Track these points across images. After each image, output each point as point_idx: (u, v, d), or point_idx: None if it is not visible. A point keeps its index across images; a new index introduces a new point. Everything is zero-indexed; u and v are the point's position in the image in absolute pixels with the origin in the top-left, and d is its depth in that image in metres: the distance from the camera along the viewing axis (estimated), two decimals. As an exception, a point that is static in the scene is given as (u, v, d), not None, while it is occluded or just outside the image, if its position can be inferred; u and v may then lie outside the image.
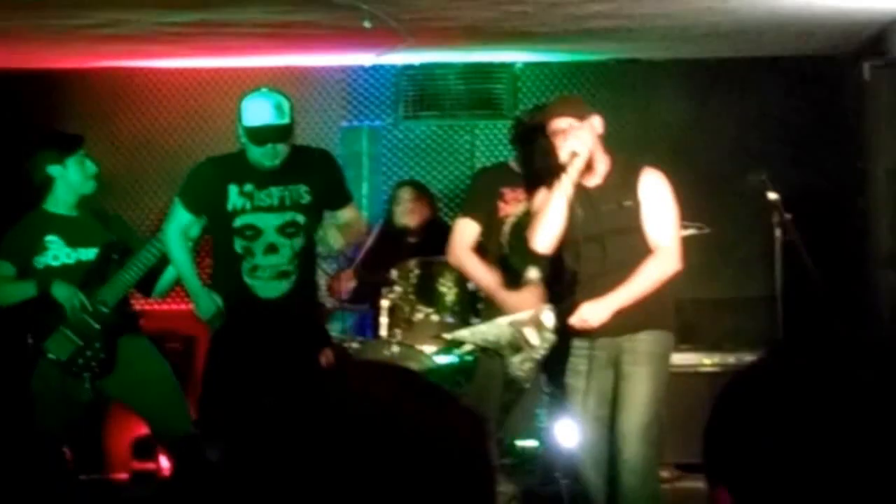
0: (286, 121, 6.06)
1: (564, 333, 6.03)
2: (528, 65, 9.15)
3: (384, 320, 7.28)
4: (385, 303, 7.27)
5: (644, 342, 5.69)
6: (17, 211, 6.58)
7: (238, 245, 6.15)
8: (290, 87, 7.37)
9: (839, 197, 8.29)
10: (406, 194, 8.07)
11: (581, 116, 5.79)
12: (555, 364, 6.24)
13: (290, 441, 1.66)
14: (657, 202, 5.76)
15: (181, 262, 6.23)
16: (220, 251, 6.30)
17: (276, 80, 8.25)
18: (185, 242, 6.23)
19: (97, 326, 6.35)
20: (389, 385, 1.65)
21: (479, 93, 9.14)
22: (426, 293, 7.28)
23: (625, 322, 5.71)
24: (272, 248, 6.14)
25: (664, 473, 7.22)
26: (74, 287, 6.31)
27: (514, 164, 6.72)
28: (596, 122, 5.84)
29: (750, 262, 8.44)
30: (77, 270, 6.39)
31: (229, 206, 6.15)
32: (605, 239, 5.79)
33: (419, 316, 7.30)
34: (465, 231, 6.62)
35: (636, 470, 5.60)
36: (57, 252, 6.39)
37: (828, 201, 8.20)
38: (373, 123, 9.18)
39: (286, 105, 6.09)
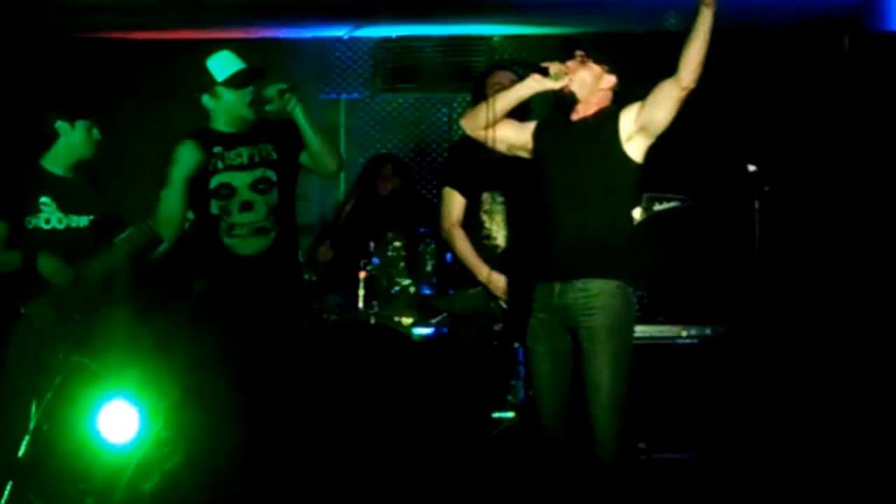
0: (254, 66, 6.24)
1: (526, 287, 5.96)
2: (505, 37, 9.14)
3: (362, 292, 7.27)
4: (362, 274, 7.26)
5: (598, 314, 5.50)
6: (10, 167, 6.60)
7: (214, 206, 6.20)
8: (267, 58, 7.34)
9: (821, 170, 8.31)
10: (384, 169, 8.07)
11: (597, 59, 5.71)
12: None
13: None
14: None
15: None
16: (199, 218, 6.33)
17: (252, 52, 8.19)
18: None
19: (79, 299, 6.34)
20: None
21: (456, 65, 9.13)
22: (404, 265, 7.28)
23: (575, 265, 5.55)
24: (247, 206, 6.19)
25: (640, 444, 7.24)
26: (60, 261, 6.29)
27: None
28: (609, 77, 5.75)
29: (728, 234, 8.44)
30: (66, 237, 6.38)
31: (203, 170, 6.21)
32: (575, 167, 5.63)
33: (397, 288, 7.31)
34: (453, 202, 6.64)
35: (612, 448, 5.56)
36: (49, 216, 6.38)
37: (808, 174, 8.23)
38: (350, 96, 9.16)
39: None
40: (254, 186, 6.19)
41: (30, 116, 6.60)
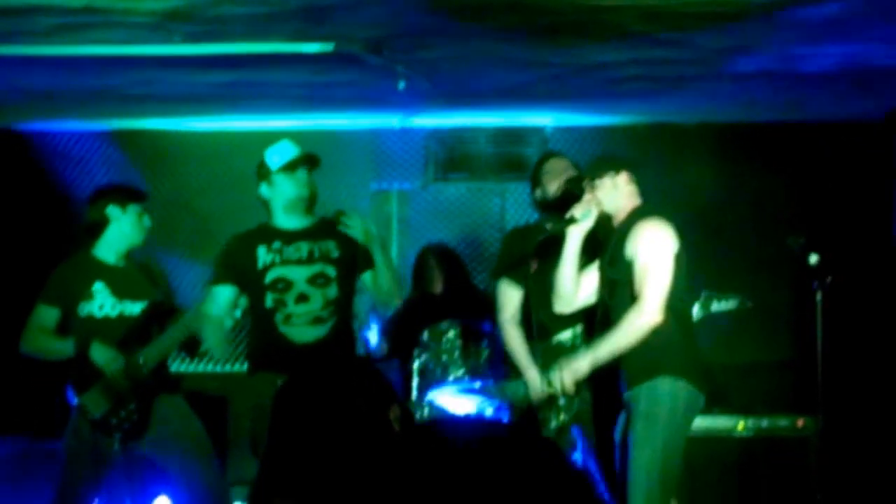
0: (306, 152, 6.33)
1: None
2: (557, 128, 9.16)
3: (416, 382, 7.21)
4: (416, 364, 7.20)
5: (639, 399, 5.67)
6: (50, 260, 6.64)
7: (270, 299, 6.22)
8: (320, 148, 7.33)
9: (874, 264, 8.27)
10: (434, 260, 8.02)
11: (599, 175, 5.94)
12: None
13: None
14: (644, 253, 5.75)
15: (216, 342, 6.34)
16: (254, 311, 6.32)
17: (306, 142, 8.27)
18: (223, 325, 6.30)
19: (134, 388, 6.33)
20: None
21: (508, 156, 9.13)
22: (459, 355, 7.23)
23: (627, 374, 5.76)
24: (303, 297, 6.22)
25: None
26: (114, 350, 6.30)
27: (546, 225, 6.71)
28: (619, 180, 5.90)
29: (784, 326, 8.40)
30: (119, 324, 6.39)
31: (259, 265, 6.24)
32: (608, 289, 5.90)
33: (451, 377, 7.25)
34: (507, 295, 6.66)
35: None
36: (103, 302, 6.40)
37: (863, 268, 8.18)
38: (402, 186, 9.18)
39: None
40: (311, 281, 6.23)
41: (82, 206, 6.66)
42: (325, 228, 6.32)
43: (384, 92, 7.42)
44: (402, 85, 7.14)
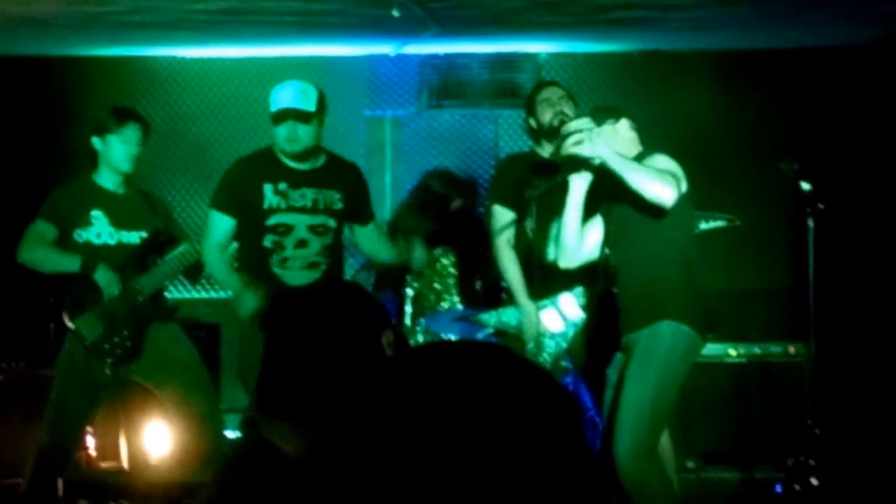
0: (309, 107, 6.13)
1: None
2: (551, 55, 9.13)
3: (408, 309, 7.23)
4: (409, 291, 7.21)
5: (638, 341, 5.59)
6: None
7: (268, 240, 6.21)
8: (314, 76, 7.34)
9: (868, 189, 8.27)
10: (434, 184, 7.97)
11: (598, 123, 5.76)
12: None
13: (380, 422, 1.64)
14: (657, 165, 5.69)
15: (222, 277, 6.35)
16: (247, 244, 6.30)
17: (299, 70, 8.27)
18: (222, 256, 6.28)
19: (129, 314, 6.35)
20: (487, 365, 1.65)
21: (502, 82, 9.11)
22: (453, 283, 7.24)
23: (627, 318, 5.70)
24: (302, 243, 6.23)
25: (689, 463, 7.22)
26: (116, 274, 6.31)
27: (540, 152, 6.72)
28: (619, 126, 5.84)
29: (778, 253, 8.42)
30: (117, 252, 6.39)
31: (265, 205, 6.20)
32: (612, 239, 5.81)
33: (444, 305, 7.27)
34: (500, 218, 6.62)
35: (627, 462, 5.51)
36: (100, 230, 6.40)
37: (857, 193, 8.18)
38: (396, 112, 9.16)
39: (312, 93, 6.16)
40: (313, 229, 6.23)
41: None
42: (333, 172, 6.31)
43: (378, 19, 7.39)
44: (396, 12, 7.11)
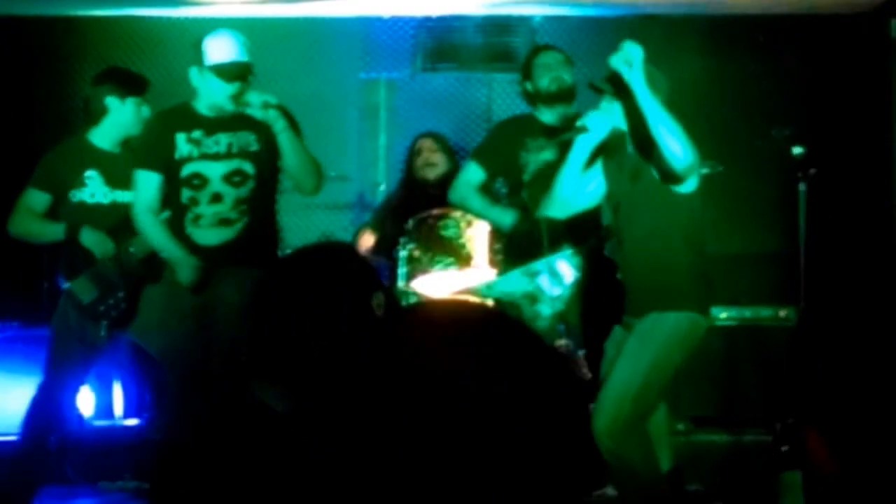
0: (250, 59, 6.09)
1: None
2: (546, 18, 9.12)
3: (402, 271, 7.19)
4: (403, 253, 7.14)
5: (643, 321, 5.55)
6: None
7: (185, 195, 6.11)
8: (308, 37, 7.35)
9: (861, 156, 8.29)
10: (426, 146, 7.91)
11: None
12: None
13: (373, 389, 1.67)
14: None
15: (159, 242, 6.18)
16: (170, 204, 6.20)
17: (293, 31, 8.27)
18: (155, 220, 6.17)
19: (123, 275, 6.37)
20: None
21: (496, 46, 9.11)
22: (445, 244, 7.21)
23: (633, 301, 5.66)
24: (216, 198, 6.09)
25: (679, 426, 7.24)
26: (104, 234, 6.32)
27: (537, 116, 6.74)
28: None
29: (769, 217, 8.43)
30: (111, 211, 6.41)
31: (177, 155, 6.11)
32: (614, 208, 5.77)
33: (438, 267, 7.23)
34: (470, 173, 6.71)
35: (603, 443, 5.47)
36: (94, 190, 6.41)
37: (850, 160, 8.20)
38: (390, 75, 9.15)
39: (247, 45, 6.12)
40: (227, 178, 6.08)
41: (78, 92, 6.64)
42: (246, 116, 6.12)
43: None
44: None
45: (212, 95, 6.09)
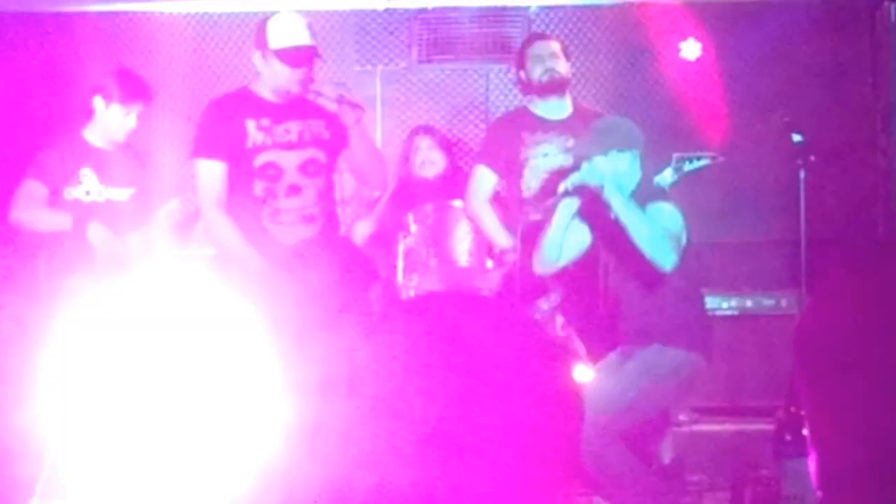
0: (315, 43, 5.79)
1: None
2: (542, 8, 9.08)
3: (400, 264, 7.17)
4: (401, 247, 7.13)
5: (644, 351, 5.57)
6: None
7: (258, 188, 5.74)
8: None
9: (858, 141, 8.25)
10: (423, 145, 7.79)
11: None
12: None
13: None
14: None
15: (229, 238, 5.70)
16: (238, 198, 5.77)
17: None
18: (224, 211, 5.70)
19: (124, 272, 6.34)
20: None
21: (492, 36, 9.06)
22: (442, 238, 7.19)
23: (632, 335, 5.68)
24: (294, 190, 5.77)
25: (681, 416, 7.22)
26: (109, 231, 6.30)
27: (531, 108, 6.70)
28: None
29: (770, 205, 8.40)
30: (105, 210, 6.39)
31: (249, 143, 5.73)
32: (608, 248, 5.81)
33: (435, 261, 7.22)
34: (482, 180, 6.65)
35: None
36: (89, 188, 6.39)
37: (847, 145, 8.17)
38: (386, 67, 9.11)
39: (311, 27, 5.83)
40: (303, 168, 5.77)
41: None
42: (312, 102, 5.80)
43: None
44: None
45: (279, 82, 5.72)
